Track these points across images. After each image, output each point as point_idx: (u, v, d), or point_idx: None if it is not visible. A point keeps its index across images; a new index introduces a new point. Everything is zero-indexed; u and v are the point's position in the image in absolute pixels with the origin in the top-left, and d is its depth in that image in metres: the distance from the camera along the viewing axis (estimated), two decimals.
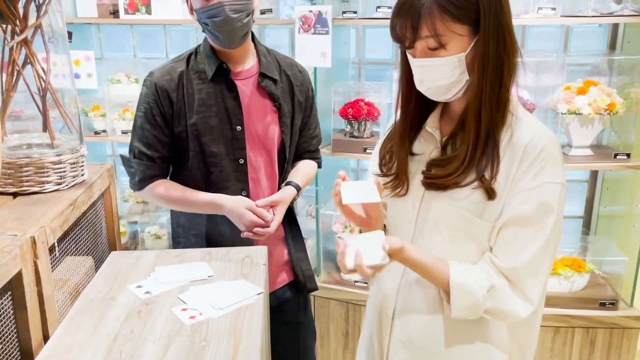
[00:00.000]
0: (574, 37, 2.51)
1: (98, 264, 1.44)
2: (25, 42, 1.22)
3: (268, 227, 1.62)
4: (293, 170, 1.81)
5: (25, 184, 1.27)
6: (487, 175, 1.13)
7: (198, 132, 1.61)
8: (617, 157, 2.25)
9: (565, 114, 2.22)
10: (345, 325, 2.65)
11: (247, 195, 1.67)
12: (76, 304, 1.21)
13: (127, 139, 2.88)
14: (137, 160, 1.63)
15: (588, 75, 2.36)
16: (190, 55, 1.67)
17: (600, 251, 2.45)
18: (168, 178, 1.71)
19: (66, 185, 1.33)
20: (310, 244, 2.66)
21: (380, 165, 1.29)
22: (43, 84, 1.23)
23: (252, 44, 1.68)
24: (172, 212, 1.81)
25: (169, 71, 1.62)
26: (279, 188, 1.76)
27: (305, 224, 2.71)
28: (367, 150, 2.43)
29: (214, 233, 1.71)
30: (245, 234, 1.62)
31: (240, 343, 1.07)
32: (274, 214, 1.66)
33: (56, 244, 1.19)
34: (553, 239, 1.13)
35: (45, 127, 1.27)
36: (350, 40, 2.73)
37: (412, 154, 1.24)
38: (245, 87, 1.66)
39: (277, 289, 1.81)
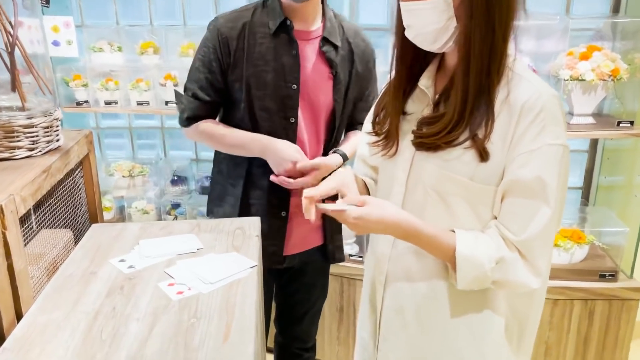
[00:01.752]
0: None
1: (78, 237, 1.34)
2: None
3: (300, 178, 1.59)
4: (343, 140, 1.77)
5: None
6: (480, 134, 1.06)
7: (251, 85, 1.57)
8: (621, 125, 2.17)
9: (567, 80, 2.13)
10: (339, 300, 2.58)
11: None
12: (53, 280, 1.12)
13: (112, 110, 2.79)
14: (189, 98, 1.62)
15: (591, 40, 2.27)
16: (257, 6, 1.62)
17: (599, 222, 2.39)
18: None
19: (39, 151, 1.23)
20: None
21: (373, 123, 1.24)
22: (11, 39, 1.11)
23: (320, 5, 1.63)
24: (215, 158, 1.77)
25: (234, 19, 1.59)
26: (325, 155, 1.71)
27: None
28: None
29: (250, 184, 1.68)
30: (275, 178, 1.59)
31: (233, 320, 0.98)
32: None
33: (33, 214, 1.09)
34: (559, 206, 1.07)
35: (14, 86, 1.16)
36: (343, 5, 2.62)
37: (404, 113, 1.18)
38: (306, 48, 1.60)
39: (303, 251, 1.78)
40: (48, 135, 1.22)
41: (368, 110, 1.82)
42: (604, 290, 2.25)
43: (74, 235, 1.31)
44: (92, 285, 1.10)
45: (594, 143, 2.57)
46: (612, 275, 2.27)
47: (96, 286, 1.10)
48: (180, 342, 0.93)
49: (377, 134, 1.22)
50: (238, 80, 1.58)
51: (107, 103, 2.61)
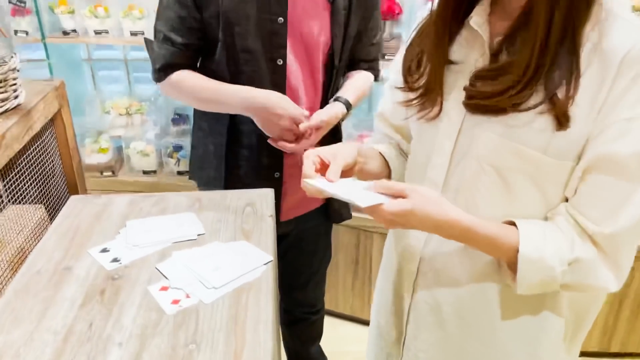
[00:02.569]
0: None
1: (54, 212, 1.10)
2: None
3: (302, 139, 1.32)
4: (344, 82, 1.47)
5: None
6: (560, 94, 0.79)
7: (230, 20, 1.28)
8: None
9: None
10: (355, 252, 2.38)
11: None
12: (16, 280, 0.89)
13: (102, 40, 2.48)
14: (159, 43, 1.34)
15: None
16: None
17: None
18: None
19: None
20: None
21: (405, 75, 0.96)
22: None
23: None
24: (194, 114, 1.51)
25: None
26: (324, 103, 1.43)
27: None
28: (386, 57, 2.04)
29: (235, 142, 1.42)
30: (273, 142, 1.32)
31: (244, 348, 0.75)
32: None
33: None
34: None
35: None
36: None
37: (449, 63, 0.90)
38: None
39: (301, 215, 1.55)
40: (2, 92, 0.95)
41: (373, 46, 1.52)
42: None
43: (48, 210, 1.07)
44: (66, 288, 0.87)
45: None
46: None
47: (70, 289, 0.87)
48: None
49: (410, 89, 0.95)
50: (214, 17, 1.29)
51: (97, 33, 2.30)
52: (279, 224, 1.45)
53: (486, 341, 0.97)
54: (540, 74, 0.80)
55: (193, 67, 1.38)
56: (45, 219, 1.06)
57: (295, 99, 1.36)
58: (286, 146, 1.30)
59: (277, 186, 1.43)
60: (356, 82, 1.46)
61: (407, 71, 0.97)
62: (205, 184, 1.51)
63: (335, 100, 1.40)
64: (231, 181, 1.43)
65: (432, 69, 0.92)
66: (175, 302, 0.84)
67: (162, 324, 0.79)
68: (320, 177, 0.87)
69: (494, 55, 0.86)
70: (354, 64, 1.49)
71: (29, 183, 1.00)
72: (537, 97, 0.81)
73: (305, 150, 1.31)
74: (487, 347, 0.98)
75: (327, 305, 2.43)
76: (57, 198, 1.12)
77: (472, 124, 0.89)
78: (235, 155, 1.42)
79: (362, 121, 2.37)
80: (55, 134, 1.11)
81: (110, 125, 2.62)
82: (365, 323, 2.48)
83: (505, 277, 0.90)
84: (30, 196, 1.03)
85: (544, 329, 0.96)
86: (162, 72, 1.35)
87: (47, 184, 1.07)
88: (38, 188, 1.05)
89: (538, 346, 0.97)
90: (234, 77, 1.32)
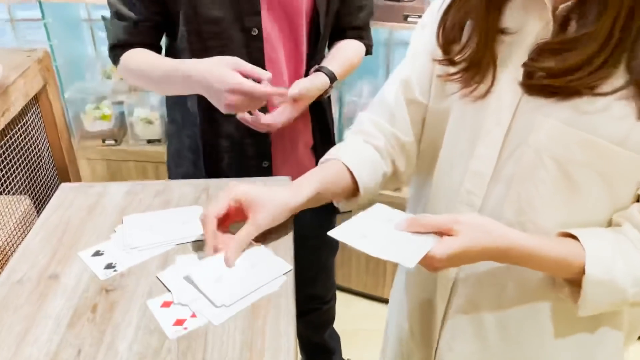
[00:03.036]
0: None
1: (42, 203, 0.97)
2: None
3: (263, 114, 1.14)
4: (330, 52, 1.28)
5: None
6: None
7: None
8: None
9: None
10: None
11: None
12: None
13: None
14: (112, 20, 1.16)
15: None
16: None
17: None
18: None
19: None
20: None
21: (444, 45, 0.81)
22: None
23: None
24: (166, 102, 1.33)
25: None
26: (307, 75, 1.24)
27: None
28: (409, 19, 1.85)
29: (212, 132, 1.23)
30: (242, 117, 1.14)
31: None
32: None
33: None
34: None
35: None
36: None
37: (500, 32, 0.76)
38: None
39: None
40: None
41: (361, 10, 1.30)
42: None
43: (36, 201, 0.94)
44: (51, 302, 0.74)
45: None
46: None
47: (56, 304, 0.74)
48: None
49: (450, 63, 0.79)
50: None
51: None
52: None
53: (532, 356, 0.85)
54: (623, 50, 0.66)
55: (154, 47, 1.18)
56: (32, 211, 0.92)
57: (276, 74, 1.17)
58: (245, 118, 1.13)
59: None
60: (343, 52, 1.28)
61: (446, 40, 0.81)
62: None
63: (317, 70, 1.21)
64: (213, 176, 1.26)
65: (480, 39, 0.76)
66: (179, 322, 0.71)
67: (164, 353, 0.67)
68: (214, 232, 0.78)
69: (561, 25, 0.70)
70: (340, 33, 1.30)
71: (10, 172, 0.87)
72: (618, 78, 0.67)
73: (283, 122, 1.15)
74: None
75: (341, 282, 2.33)
76: (46, 186, 0.99)
77: (530, 108, 0.74)
78: (214, 148, 1.24)
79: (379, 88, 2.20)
80: (41, 113, 0.96)
81: (112, 91, 2.48)
82: (379, 300, 2.37)
83: (560, 292, 0.77)
84: (13, 186, 0.89)
85: (601, 343, 0.84)
86: (113, 52, 1.16)
87: (33, 171, 0.94)
88: (22, 177, 0.91)
89: None
90: (200, 55, 1.10)
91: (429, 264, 0.69)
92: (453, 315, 0.89)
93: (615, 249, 0.71)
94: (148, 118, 2.40)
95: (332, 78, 1.21)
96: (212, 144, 1.24)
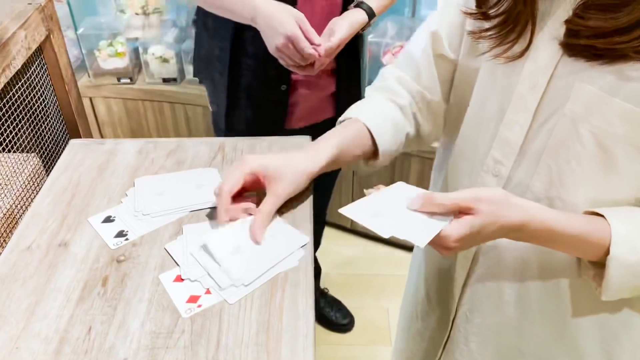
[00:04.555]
0: None
1: (51, 161, 0.92)
2: None
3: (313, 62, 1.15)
4: None
5: None
6: None
7: None
8: None
9: None
10: (391, 175, 2.20)
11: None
12: (3, 258, 0.73)
13: None
14: None
15: None
16: None
17: None
18: None
19: None
20: None
21: None
22: None
23: None
24: (198, 9, 1.34)
25: None
26: (344, 10, 1.21)
27: None
28: None
29: (239, 50, 1.27)
30: (279, 57, 1.15)
31: None
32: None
33: None
34: None
35: None
36: None
37: None
38: None
39: (309, 125, 1.41)
40: None
41: None
42: None
43: (44, 159, 0.90)
44: (61, 273, 0.71)
45: None
46: None
47: (66, 276, 0.71)
48: None
49: (484, 17, 0.71)
50: None
51: None
52: (284, 132, 1.33)
53: (552, 333, 0.81)
54: None
55: None
56: (40, 170, 0.88)
57: (307, 5, 1.18)
58: (302, 72, 1.16)
59: (284, 99, 1.31)
60: None
61: None
62: (211, 85, 1.39)
63: (357, 6, 1.19)
64: (233, 90, 1.30)
65: None
66: (193, 299, 0.67)
67: (177, 333, 0.64)
68: (232, 209, 0.74)
69: None
70: None
71: (15, 130, 0.82)
72: None
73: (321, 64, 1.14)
74: (554, 339, 0.82)
75: (357, 226, 2.31)
76: (55, 143, 0.94)
77: (568, 71, 0.66)
78: (238, 64, 1.29)
79: (404, 28, 2.08)
80: (47, 65, 0.90)
81: (126, 26, 2.38)
82: (399, 246, 2.36)
83: (585, 274, 0.72)
84: (20, 145, 0.85)
85: (626, 328, 0.79)
86: None
87: (40, 128, 0.89)
88: (29, 134, 0.86)
89: (616, 346, 0.80)
90: None
91: (443, 244, 0.64)
92: (473, 285, 0.85)
93: None
94: (164, 56, 2.32)
95: (371, 15, 1.19)
96: (238, 60, 1.27)
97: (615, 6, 0.61)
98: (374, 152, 0.83)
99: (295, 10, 1.10)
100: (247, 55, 1.27)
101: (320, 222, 1.84)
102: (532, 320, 0.81)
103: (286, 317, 0.65)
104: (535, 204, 0.68)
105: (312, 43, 1.08)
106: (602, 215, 0.66)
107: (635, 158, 0.65)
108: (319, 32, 1.13)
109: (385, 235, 0.63)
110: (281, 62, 1.14)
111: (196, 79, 2.08)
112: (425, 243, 0.62)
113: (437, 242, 0.64)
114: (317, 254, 1.90)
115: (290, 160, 0.76)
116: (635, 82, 0.61)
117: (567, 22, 0.65)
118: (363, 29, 1.22)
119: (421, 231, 0.63)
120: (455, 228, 0.63)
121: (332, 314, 2.00)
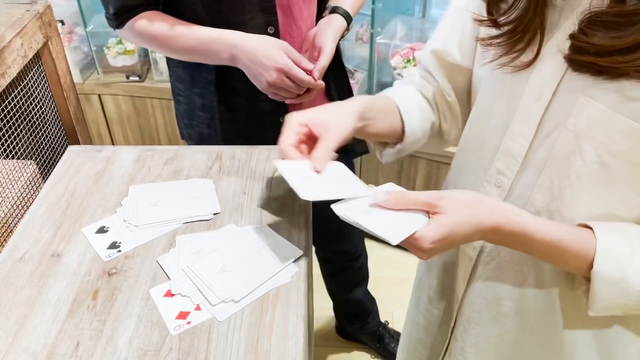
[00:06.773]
0: None
1: (48, 168, 0.92)
2: None
3: (308, 88, 1.06)
4: None
5: None
6: None
7: None
8: None
9: None
10: (397, 180, 2.18)
11: (276, 34, 1.09)
12: None
13: None
14: None
15: None
16: None
17: None
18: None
19: None
20: (358, 77, 2.07)
21: (489, 4, 0.71)
22: None
23: None
24: (168, 60, 1.22)
25: None
26: (319, 17, 1.16)
27: (354, 51, 2.09)
28: None
29: (226, 90, 1.16)
30: (272, 94, 1.06)
31: None
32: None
33: None
34: None
35: None
36: None
37: None
38: None
39: None
40: None
41: None
42: None
43: (42, 166, 0.89)
44: (52, 284, 0.71)
45: None
46: None
47: (57, 288, 0.70)
48: None
49: (494, 24, 0.70)
50: None
51: None
52: None
53: (549, 349, 0.80)
54: None
55: (155, 6, 1.08)
56: (37, 177, 0.88)
57: (290, 22, 1.10)
58: (278, 97, 1.07)
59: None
60: None
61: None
62: (200, 143, 1.25)
63: (333, 12, 1.13)
64: (229, 136, 1.19)
65: (530, 1, 0.66)
66: (183, 315, 0.67)
67: (164, 351, 0.63)
68: (301, 158, 0.69)
69: None
70: None
71: (13, 136, 0.82)
72: None
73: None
74: (551, 355, 0.80)
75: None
76: (53, 149, 0.94)
77: (573, 85, 0.64)
78: (229, 106, 1.17)
79: (413, 29, 2.05)
80: (45, 71, 0.90)
81: None
82: (404, 250, 2.34)
83: (579, 288, 0.71)
84: (17, 151, 0.85)
85: (622, 343, 0.78)
86: (118, 17, 1.06)
87: (38, 134, 0.88)
88: (27, 140, 0.86)
89: None
90: (209, 5, 1.03)
91: (416, 245, 0.63)
92: (471, 298, 0.84)
93: (635, 245, 0.64)
94: None
95: (348, 18, 1.15)
96: (227, 101, 1.16)
97: (621, 24, 0.59)
98: (400, 134, 0.83)
99: (279, 40, 1.03)
100: (236, 93, 1.15)
101: (359, 258, 1.69)
102: (530, 334, 0.80)
103: (275, 337, 0.64)
104: (514, 207, 0.66)
105: (304, 70, 1.02)
106: (591, 228, 0.65)
107: (630, 179, 0.63)
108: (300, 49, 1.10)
109: (364, 228, 0.62)
110: (274, 97, 1.07)
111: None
112: (396, 241, 0.61)
113: (412, 244, 0.63)
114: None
115: (332, 105, 0.76)
116: (638, 101, 0.60)
117: (571, 36, 0.63)
118: (343, 35, 1.16)
119: (396, 229, 0.62)
120: (428, 230, 0.62)
121: (391, 346, 1.83)
